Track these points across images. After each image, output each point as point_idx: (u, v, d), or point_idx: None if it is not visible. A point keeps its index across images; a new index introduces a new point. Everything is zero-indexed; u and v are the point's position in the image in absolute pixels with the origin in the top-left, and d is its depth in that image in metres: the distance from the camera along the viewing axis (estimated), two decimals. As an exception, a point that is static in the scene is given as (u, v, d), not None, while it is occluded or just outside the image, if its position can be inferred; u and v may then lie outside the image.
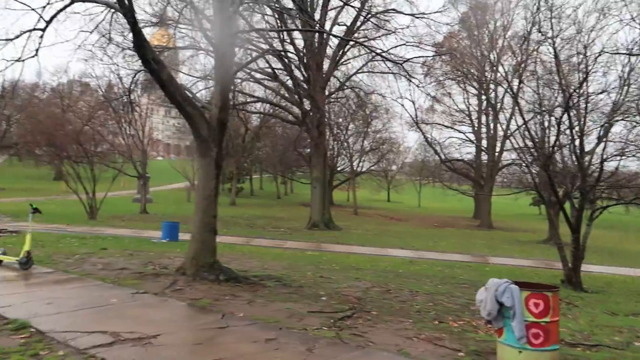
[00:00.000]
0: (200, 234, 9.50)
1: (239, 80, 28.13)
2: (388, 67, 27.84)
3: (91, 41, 27.31)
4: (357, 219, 40.40)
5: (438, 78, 34.85)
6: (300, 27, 23.34)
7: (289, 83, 28.68)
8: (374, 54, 26.25)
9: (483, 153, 41.09)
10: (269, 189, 71.81)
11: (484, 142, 40.90)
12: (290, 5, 20.78)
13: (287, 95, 30.20)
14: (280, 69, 28.49)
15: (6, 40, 9.56)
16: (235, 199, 48.20)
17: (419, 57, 25.96)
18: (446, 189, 43.91)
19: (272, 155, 57.26)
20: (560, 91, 12.51)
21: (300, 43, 27.70)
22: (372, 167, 50.87)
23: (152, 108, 33.63)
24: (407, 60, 21.30)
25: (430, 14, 24.77)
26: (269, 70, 28.15)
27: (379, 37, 27.01)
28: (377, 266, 14.57)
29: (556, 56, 12.60)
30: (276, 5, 13.89)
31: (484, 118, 41.46)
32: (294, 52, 25.31)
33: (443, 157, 39.29)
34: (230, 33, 9.13)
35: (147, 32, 24.08)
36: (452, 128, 42.28)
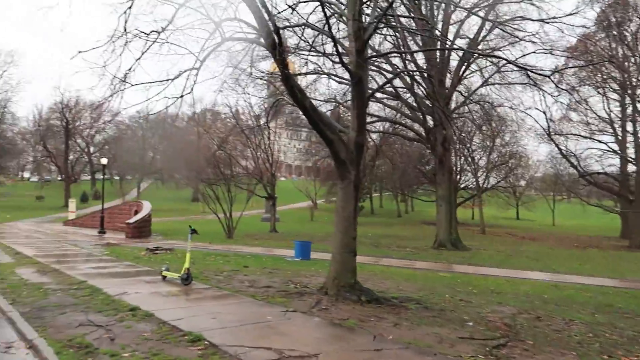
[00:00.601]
0: (341, 254, 9.73)
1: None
2: (516, 78, 26.42)
3: (226, 74, 29.71)
4: (486, 239, 38.43)
5: (573, 85, 32.10)
6: (422, 44, 23.21)
7: (410, 100, 28.46)
8: (500, 64, 25.14)
9: (630, 164, 36.78)
10: (388, 207, 71.52)
11: (631, 152, 36.64)
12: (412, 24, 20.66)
13: (408, 112, 29.97)
14: (401, 87, 28.46)
15: (168, 80, 10.77)
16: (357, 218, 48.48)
17: (562, 69, 23.94)
18: (585, 205, 40.04)
19: (392, 173, 57.10)
20: None
21: (421, 59, 27.45)
22: (499, 183, 48.14)
23: (279, 132, 35.50)
24: (542, 71, 19.94)
25: (561, 17, 22.92)
26: (390, 89, 28.24)
27: (505, 46, 25.75)
28: (517, 290, 13.66)
29: None
30: (408, 27, 13.96)
31: (629, 126, 37.21)
32: (424, 70, 25.12)
33: (581, 170, 35.89)
34: (365, 58, 9.34)
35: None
36: (590, 138, 38.53)
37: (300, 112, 11.03)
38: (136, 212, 29.24)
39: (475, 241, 35.13)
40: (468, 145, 39.23)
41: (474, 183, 45.34)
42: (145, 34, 9.11)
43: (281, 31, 9.98)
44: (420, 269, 18.57)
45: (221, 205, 27.05)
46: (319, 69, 19.61)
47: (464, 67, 27.94)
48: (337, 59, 9.90)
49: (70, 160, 64.03)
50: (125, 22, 8.67)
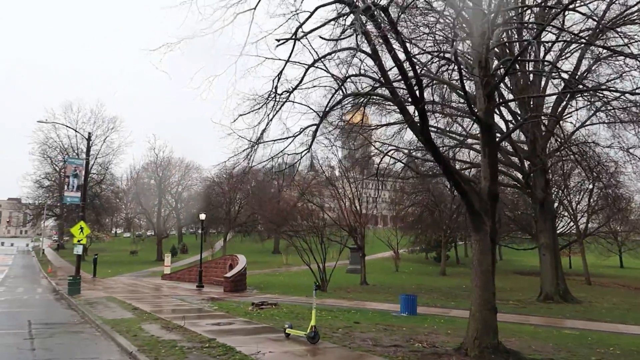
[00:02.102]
0: (481, 312, 9.10)
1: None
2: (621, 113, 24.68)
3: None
4: (593, 290, 35.22)
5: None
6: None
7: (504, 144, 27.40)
8: (603, 101, 23.68)
9: None
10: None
11: None
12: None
13: (502, 158, 28.82)
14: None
15: (292, 137, 11.00)
16: (445, 268, 46.64)
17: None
18: None
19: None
20: None
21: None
22: (600, 228, 44.54)
23: (365, 183, 35.44)
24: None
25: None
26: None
27: (610, 81, 24.29)
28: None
29: None
30: (539, 71, 13.53)
31: None
32: (551, 115, 24.23)
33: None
34: (495, 105, 9.03)
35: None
36: None
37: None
38: (231, 266, 29.84)
39: (582, 292, 32.25)
40: (563, 188, 36.87)
41: (573, 228, 42.24)
42: (278, 94, 9.41)
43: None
44: (539, 325, 17.17)
45: (314, 257, 26.94)
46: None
47: (560, 107, 26.67)
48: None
49: (163, 216, 67.63)
50: (275, 87, 9.02)
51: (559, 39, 19.52)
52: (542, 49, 24.07)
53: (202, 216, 32.21)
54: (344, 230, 31.09)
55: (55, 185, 70.24)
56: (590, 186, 36.84)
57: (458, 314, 19.20)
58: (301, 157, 10.73)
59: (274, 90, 9.61)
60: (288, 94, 9.63)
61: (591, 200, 38.63)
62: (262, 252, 71.12)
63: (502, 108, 25.77)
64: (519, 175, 28.08)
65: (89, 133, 26.74)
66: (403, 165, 27.98)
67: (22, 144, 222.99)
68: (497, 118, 28.18)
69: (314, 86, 10.14)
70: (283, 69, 8.90)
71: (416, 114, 8.42)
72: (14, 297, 22.89)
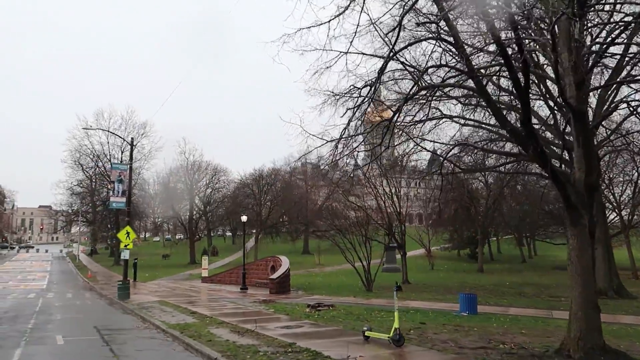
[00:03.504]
0: (583, 310, 8.64)
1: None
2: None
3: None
4: (642, 284, 34.02)
5: None
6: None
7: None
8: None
9: None
10: (506, 252, 67.11)
11: None
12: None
13: (546, 150, 27.99)
14: (535, 123, 26.87)
15: (367, 131, 10.66)
16: (483, 266, 45.79)
17: None
18: None
19: (512, 216, 53.83)
20: None
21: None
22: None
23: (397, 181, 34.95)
24: None
25: None
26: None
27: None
28: None
29: None
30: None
31: None
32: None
33: None
34: (587, 91, 8.54)
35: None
36: None
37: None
38: (273, 268, 29.69)
39: (633, 287, 31.19)
40: (606, 178, 35.68)
41: (615, 221, 41.02)
42: (358, 88, 9.11)
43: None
44: (614, 323, 16.44)
45: (358, 256, 26.56)
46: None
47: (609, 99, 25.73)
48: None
49: (194, 219, 68.09)
50: (374, 90, 8.74)
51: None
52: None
53: (244, 218, 32.12)
54: (382, 229, 30.68)
55: (87, 192, 71.37)
56: (636, 175, 35.73)
57: (518, 312, 18.65)
58: (378, 147, 10.37)
59: (353, 86, 9.32)
60: (369, 87, 9.32)
61: (636, 190, 37.38)
62: (292, 253, 71.03)
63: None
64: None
65: (132, 138, 26.91)
66: (440, 161, 27.43)
67: (51, 152, 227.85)
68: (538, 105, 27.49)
69: (393, 79, 9.78)
70: (387, 62, 8.53)
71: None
72: (67, 302, 23.11)
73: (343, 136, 9.35)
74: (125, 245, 24.86)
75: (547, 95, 23.24)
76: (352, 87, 9.11)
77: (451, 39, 8.76)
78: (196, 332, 12.46)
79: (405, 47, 9.08)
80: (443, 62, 10.59)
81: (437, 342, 11.01)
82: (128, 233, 24.86)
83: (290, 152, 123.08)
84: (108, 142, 62.04)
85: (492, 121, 28.29)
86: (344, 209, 47.11)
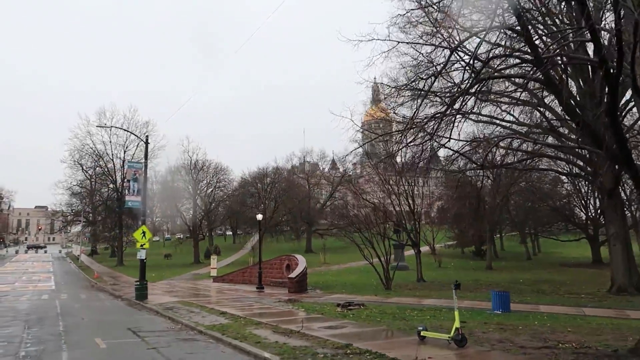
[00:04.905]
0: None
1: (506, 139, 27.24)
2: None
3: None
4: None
5: None
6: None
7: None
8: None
9: None
10: (510, 250, 67.20)
11: None
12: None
13: (563, 147, 27.81)
14: (553, 119, 26.75)
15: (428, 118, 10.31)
16: (492, 263, 45.66)
17: None
18: None
19: (517, 213, 53.90)
20: None
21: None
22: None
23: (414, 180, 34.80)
24: None
25: None
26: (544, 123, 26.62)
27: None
28: None
29: None
30: None
31: None
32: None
33: None
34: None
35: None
36: None
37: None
38: (288, 267, 29.36)
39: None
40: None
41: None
42: (423, 79, 8.76)
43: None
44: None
45: (377, 253, 26.29)
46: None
47: None
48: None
49: (198, 219, 67.50)
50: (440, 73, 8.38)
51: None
52: None
53: (259, 217, 31.73)
54: (399, 227, 30.43)
55: (87, 192, 70.54)
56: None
57: (549, 309, 18.42)
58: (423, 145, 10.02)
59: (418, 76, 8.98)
60: (434, 78, 9.01)
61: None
62: (296, 252, 70.50)
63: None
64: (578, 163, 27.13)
65: (147, 136, 26.42)
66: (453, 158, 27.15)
67: (47, 153, 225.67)
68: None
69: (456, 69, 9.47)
70: (452, 53, 8.23)
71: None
72: (85, 304, 22.70)
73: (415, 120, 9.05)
74: (142, 245, 24.40)
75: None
76: (416, 76, 8.79)
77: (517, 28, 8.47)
78: (238, 334, 12.11)
79: (472, 37, 8.75)
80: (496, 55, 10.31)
81: (492, 341, 10.73)
82: (144, 232, 24.41)
83: (293, 150, 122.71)
84: (110, 142, 61.33)
85: (507, 117, 28.32)
86: (356, 207, 46.82)
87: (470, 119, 25.74)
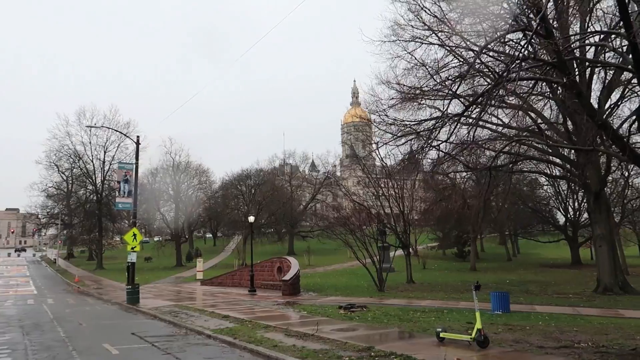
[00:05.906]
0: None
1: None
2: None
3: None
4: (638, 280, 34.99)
5: None
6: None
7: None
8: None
9: None
10: (490, 251, 68.37)
11: None
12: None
13: (549, 150, 28.41)
14: (541, 123, 27.37)
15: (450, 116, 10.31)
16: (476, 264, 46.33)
17: None
18: None
19: (496, 215, 54.80)
20: None
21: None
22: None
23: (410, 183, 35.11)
24: None
25: None
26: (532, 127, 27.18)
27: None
28: None
29: None
30: None
31: None
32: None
33: None
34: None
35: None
36: None
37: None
38: (279, 269, 29.18)
39: (632, 283, 32.03)
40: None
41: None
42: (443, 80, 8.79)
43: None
44: (630, 318, 16.65)
45: (369, 253, 26.34)
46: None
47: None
48: None
49: (182, 221, 66.41)
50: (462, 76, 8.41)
51: None
52: None
53: (251, 218, 31.44)
54: (383, 228, 30.62)
55: (63, 194, 68.78)
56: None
57: (546, 309, 18.71)
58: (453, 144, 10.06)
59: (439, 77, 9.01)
60: (460, 80, 9.06)
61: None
62: (278, 254, 70.19)
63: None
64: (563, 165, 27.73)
65: (137, 137, 25.80)
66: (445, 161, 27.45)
67: (20, 154, 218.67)
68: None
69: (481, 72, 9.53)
70: (479, 53, 8.26)
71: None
72: (75, 309, 22.12)
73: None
74: (132, 248, 23.90)
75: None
76: (447, 78, 8.81)
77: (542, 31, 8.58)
78: (250, 337, 11.93)
79: (504, 35, 8.83)
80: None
81: (509, 342, 10.83)
82: (135, 235, 23.92)
83: (275, 152, 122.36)
84: (90, 142, 59.95)
85: (493, 120, 28.79)
86: (342, 208, 46.86)
87: (461, 122, 26.12)
